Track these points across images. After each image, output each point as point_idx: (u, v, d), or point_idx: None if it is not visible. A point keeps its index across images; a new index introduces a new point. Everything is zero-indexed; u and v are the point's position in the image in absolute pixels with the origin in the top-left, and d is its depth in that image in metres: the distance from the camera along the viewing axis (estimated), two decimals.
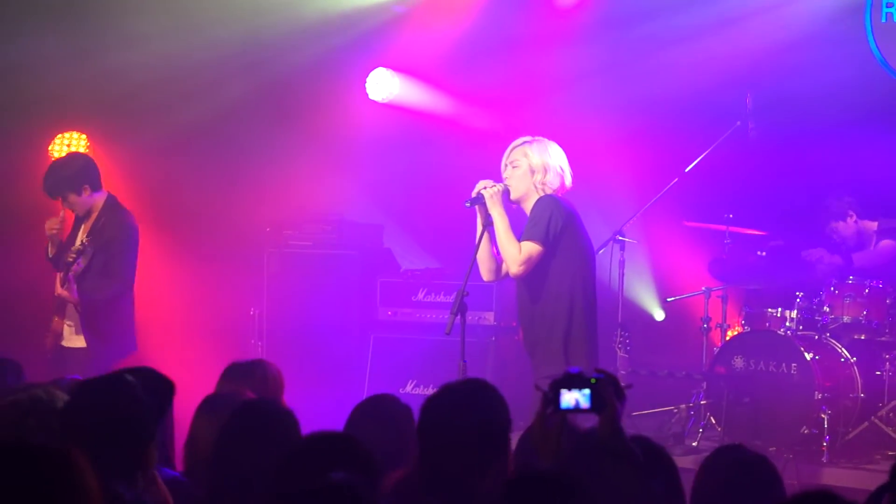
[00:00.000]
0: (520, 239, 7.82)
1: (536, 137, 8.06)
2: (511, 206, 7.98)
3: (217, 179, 11.73)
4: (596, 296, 7.97)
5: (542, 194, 7.91)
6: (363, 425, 5.23)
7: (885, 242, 10.82)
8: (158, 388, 4.83)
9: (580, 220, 7.94)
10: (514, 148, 8.03)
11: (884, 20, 11.37)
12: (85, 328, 9.19)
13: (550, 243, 7.78)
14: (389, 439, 5.11)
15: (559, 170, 7.96)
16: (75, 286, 9.05)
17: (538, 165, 7.92)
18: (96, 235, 9.21)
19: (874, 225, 10.96)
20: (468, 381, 4.78)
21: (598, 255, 9.57)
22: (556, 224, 7.77)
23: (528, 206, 7.95)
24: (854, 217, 10.95)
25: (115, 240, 9.26)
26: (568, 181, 8.01)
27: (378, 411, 5.36)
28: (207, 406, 5.36)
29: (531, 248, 7.76)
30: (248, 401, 5.19)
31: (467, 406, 4.58)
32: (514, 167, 7.98)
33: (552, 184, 7.93)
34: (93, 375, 4.99)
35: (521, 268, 7.80)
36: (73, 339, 9.27)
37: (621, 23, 11.78)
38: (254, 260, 11.48)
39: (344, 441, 4.43)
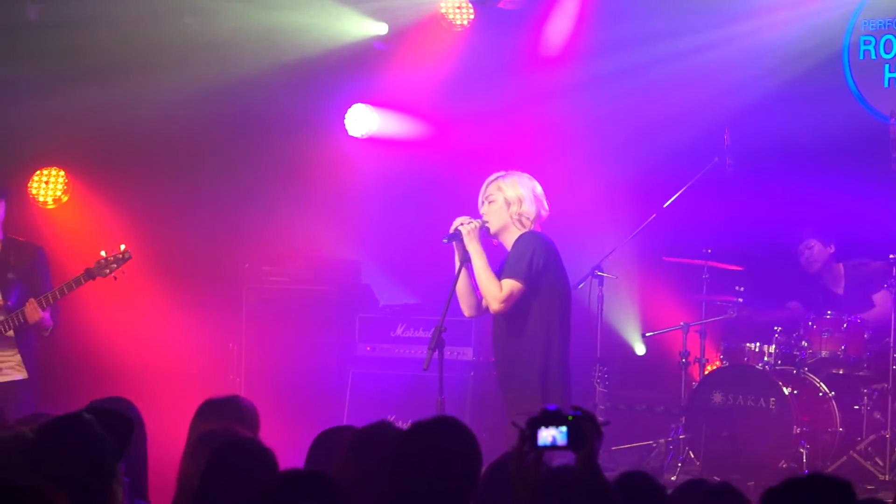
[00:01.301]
0: (501, 275, 7.82)
1: (510, 171, 8.08)
2: (492, 242, 7.99)
3: (197, 215, 11.73)
4: (570, 333, 7.97)
5: (521, 227, 7.92)
6: (323, 458, 5.23)
7: (880, 294, 10.73)
8: (117, 426, 4.86)
9: (559, 257, 7.95)
10: (489, 184, 8.04)
11: (861, 57, 11.46)
12: (29, 360, 9.22)
13: (532, 281, 7.77)
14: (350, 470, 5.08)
15: (534, 200, 7.97)
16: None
17: (513, 198, 7.93)
18: (19, 269, 9.24)
19: (840, 267, 10.99)
20: (438, 419, 4.79)
21: (577, 290, 9.60)
22: (538, 261, 7.77)
23: (507, 241, 7.95)
24: (833, 250, 10.95)
25: (43, 274, 9.35)
26: (544, 211, 8.01)
27: (337, 443, 5.35)
28: (201, 443, 5.35)
29: (513, 285, 7.75)
30: (229, 439, 5.19)
31: (439, 445, 4.59)
32: (490, 202, 7.99)
33: (528, 214, 7.92)
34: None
35: (503, 305, 7.79)
36: (10, 373, 9.27)
37: (604, 62, 11.83)
38: (233, 296, 11.46)
39: (317, 478, 4.43)
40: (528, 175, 8.07)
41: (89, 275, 9.07)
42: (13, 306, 9.12)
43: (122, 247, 9.15)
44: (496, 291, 7.76)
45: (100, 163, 11.32)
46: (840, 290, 10.98)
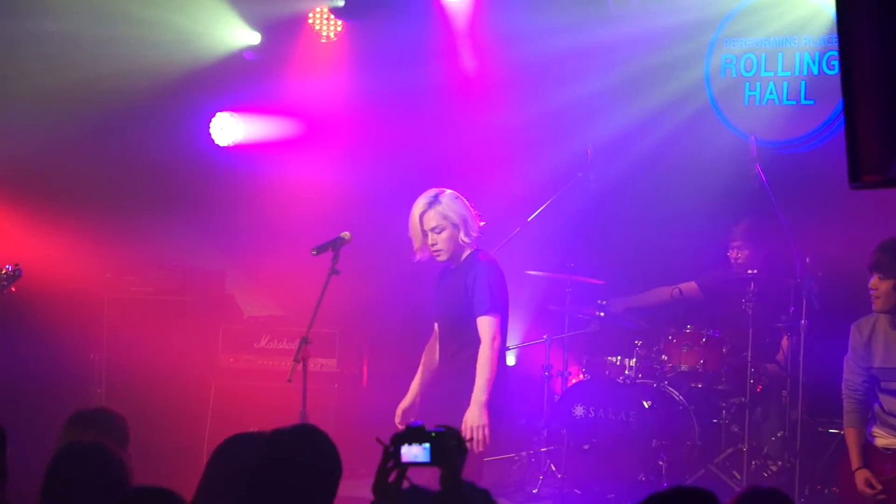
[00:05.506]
0: (473, 303, 7.85)
1: (439, 193, 8.00)
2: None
3: (58, 223, 11.56)
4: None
5: (469, 248, 7.96)
6: (225, 467, 5.19)
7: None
8: None
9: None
10: (424, 213, 7.93)
11: (723, 75, 11.60)
12: None
13: (502, 307, 7.90)
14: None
15: (471, 215, 7.97)
16: None
17: (459, 220, 7.91)
18: None
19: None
20: (298, 427, 4.81)
21: None
22: (500, 290, 7.88)
23: (457, 260, 7.97)
24: (762, 255, 10.65)
25: None
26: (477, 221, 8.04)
27: (239, 452, 5.31)
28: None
29: (488, 322, 7.82)
30: (73, 446, 5.10)
31: (295, 451, 4.61)
32: (437, 232, 7.92)
33: (473, 229, 7.93)
34: None
35: (496, 342, 7.81)
36: None
37: (476, 79, 11.92)
38: (94, 305, 11.32)
39: (166, 496, 4.41)
40: (451, 191, 8.05)
41: None
42: None
43: (17, 265, 9.18)
44: (486, 343, 7.77)
45: None
46: (750, 296, 10.16)
